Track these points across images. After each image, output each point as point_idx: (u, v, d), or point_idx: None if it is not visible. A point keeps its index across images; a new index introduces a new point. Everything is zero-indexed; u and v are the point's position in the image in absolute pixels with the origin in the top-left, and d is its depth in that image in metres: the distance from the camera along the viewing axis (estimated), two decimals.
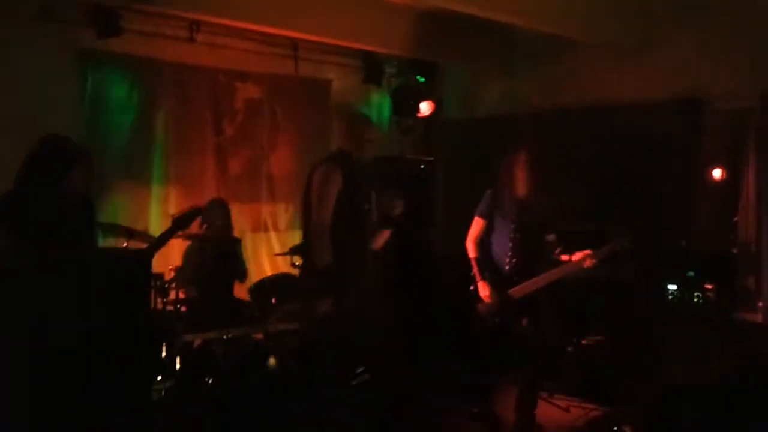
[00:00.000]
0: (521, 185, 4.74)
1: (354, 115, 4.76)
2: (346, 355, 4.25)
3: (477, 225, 4.86)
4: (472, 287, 4.80)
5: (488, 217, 4.83)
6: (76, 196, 3.39)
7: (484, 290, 4.71)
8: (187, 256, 5.37)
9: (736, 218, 6.02)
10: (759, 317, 5.59)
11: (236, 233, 5.79)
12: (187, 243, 5.43)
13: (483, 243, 4.84)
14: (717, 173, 6.23)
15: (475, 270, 4.78)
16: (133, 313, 2.86)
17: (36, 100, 5.21)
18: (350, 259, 4.15)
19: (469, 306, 4.85)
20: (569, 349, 5.86)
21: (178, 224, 3.82)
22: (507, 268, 4.75)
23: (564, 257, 4.75)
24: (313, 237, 4.07)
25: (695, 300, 5.68)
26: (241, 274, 5.56)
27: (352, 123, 4.45)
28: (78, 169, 3.39)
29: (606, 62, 6.35)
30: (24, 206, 3.28)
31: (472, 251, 4.84)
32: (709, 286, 5.66)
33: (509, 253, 4.75)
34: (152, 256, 3.68)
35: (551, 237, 4.87)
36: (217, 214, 5.47)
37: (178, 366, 4.52)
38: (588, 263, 4.67)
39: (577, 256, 4.69)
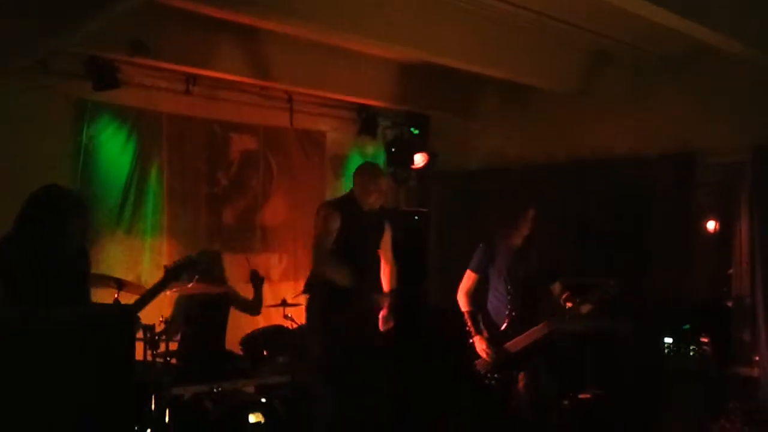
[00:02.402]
0: (516, 239, 4.75)
1: (368, 166, 4.83)
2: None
3: (469, 279, 4.84)
4: (469, 341, 4.75)
5: (481, 272, 4.81)
6: (73, 245, 3.36)
7: (481, 345, 4.66)
8: (177, 307, 5.31)
9: (730, 271, 6.02)
10: (755, 372, 5.54)
11: (230, 283, 5.74)
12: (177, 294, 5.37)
13: (475, 297, 4.81)
14: (710, 226, 6.26)
15: (470, 324, 4.73)
16: (118, 367, 2.82)
17: (31, 149, 5.23)
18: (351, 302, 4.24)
19: (465, 361, 4.79)
20: (565, 402, 5.78)
21: (171, 275, 3.81)
22: (507, 322, 4.72)
23: (570, 304, 4.71)
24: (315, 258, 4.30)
25: (691, 354, 5.64)
26: (250, 308, 5.49)
27: (365, 173, 4.55)
28: (77, 218, 3.38)
29: (599, 117, 6.42)
30: (21, 252, 3.25)
31: (465, 304, 4.80)
32: (705, 339, 5.63)
33: (509, 307, 4.73)
34: (141, 309, 3.66)
35: (556, 286, 4.87)
36: (208, 264, 5.42)
37: (167, 420, 4.43)
38: (584, 309, 4.65)
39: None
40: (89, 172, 5.71)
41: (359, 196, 4.44)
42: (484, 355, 4.65)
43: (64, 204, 3.36)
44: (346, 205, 4.45)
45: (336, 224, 4.28)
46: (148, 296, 3.70)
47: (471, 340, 4.75)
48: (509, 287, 4.73)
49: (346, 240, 4.30)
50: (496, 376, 4.70)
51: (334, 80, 6.27)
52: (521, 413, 4.89)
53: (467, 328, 4.75)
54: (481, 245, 4.86)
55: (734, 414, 5.23)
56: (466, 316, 4.76)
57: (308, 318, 4.50)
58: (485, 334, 4.69)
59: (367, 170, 4.63)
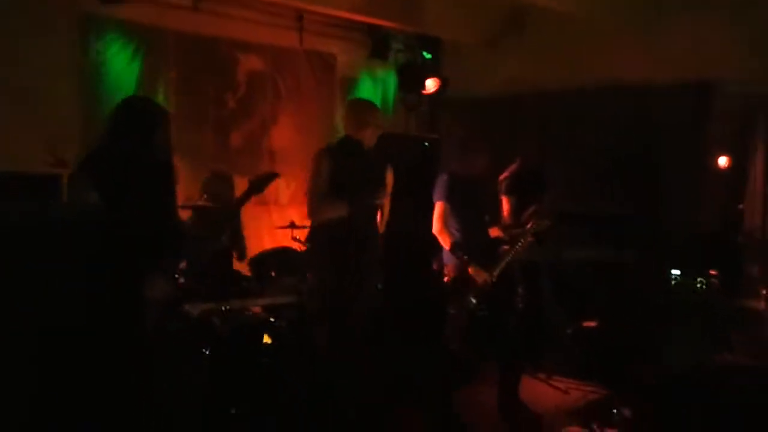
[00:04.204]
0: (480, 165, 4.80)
1: (359, 102, 4.71)
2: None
3: (442, 210, 4.77)
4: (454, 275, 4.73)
5: (451, 201, 4.76)
6: (162, 155, 3.38)
7: (480, 274, 4.62)
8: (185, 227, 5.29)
9: (741, 205, 5.97)
10: (762, 305, 5.55)
11: None
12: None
13: (451, 227, 4.77)
14: (723, 159, 6.17)
15: (461, 255, 4.66)
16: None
17: (35, 66, 5.11)
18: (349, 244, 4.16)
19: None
20: (569, 330, 5.82)
21: (255, 187, 3.88)
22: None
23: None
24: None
25: (698, 286, 5.64)
26: (240, 251, 5.48)
27: (357, 109, 4.43)
28: (164, 127, 3.39)
29: (614, 44, 6.26)
30: (113, 161, 3.24)
31: (448, 238, 4.72)
32: (713, 272, 5.62)
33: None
34: (232, 218, 3.71)
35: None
36: (219, 186, 5.39)
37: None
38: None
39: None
40: (95, 89, 5.59)
41: (353, 133, 4.29)
42: (481, 282, 4.61)
43: (153, 111, 3.46)
44: (339, 146, 4.30)
45: (326, 166, 4.14)
46: (236, 205, 3.72)
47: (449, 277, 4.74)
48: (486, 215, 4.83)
49: (338, 183, 4.16)
50: (484, 307, 4.66)
51: None
52: (519, 342, 4.93)
53: (458, 259, 4.68)
54: (442, 175, 4.84)
55: (739, 346, 5.26)
56: (452, 247, 4.69)
57: (312, 269, 4.44)
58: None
59: (357, 104, 4.54)
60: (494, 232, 4.95)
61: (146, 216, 3.20)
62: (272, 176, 4.06)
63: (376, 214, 4.40)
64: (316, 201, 4.18)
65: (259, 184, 3.96)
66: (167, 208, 3.43)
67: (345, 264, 4.14)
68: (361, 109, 4.44)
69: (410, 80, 7.18)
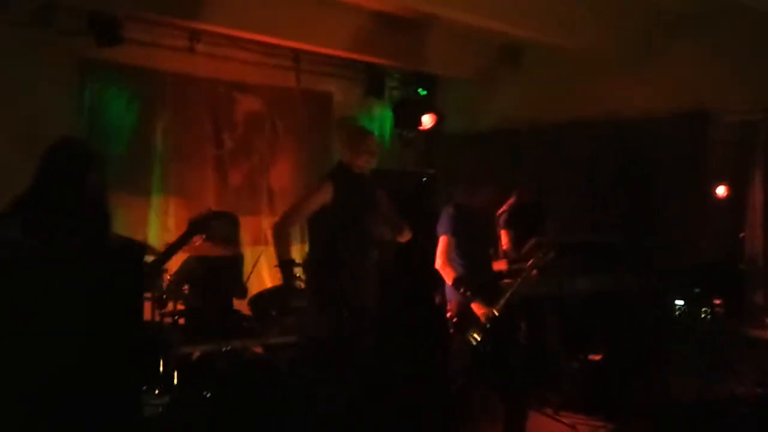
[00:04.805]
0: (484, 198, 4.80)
1: (353, 128, 4.69)
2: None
3: (447, 244, 4.69)
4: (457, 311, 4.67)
5: (457, 235, 4.69)
6: (93, 200, 3.27)
7: (481, 309, 4.55)
8: (186, 266, 5.26)
9: (742, 234, 5.96)
10: (767, 333, 5.50)
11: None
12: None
13: (454, 262, 4.70)
14: (723, 187, 6.17)
15: (464, 290, 4.56)
16: (127, 302, 2.82)
17: (34, 109, 5.13)
18: (348, 274, 4.09)
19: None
20: (574, 364, 5.75)
21: (195, 227, 3.76)
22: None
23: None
24: (274, 232, 4.15)
25: (703, 315, 5.60)
26: (240, 291, 5.44)
27: (352, 135, 4.39)
28: (96, 170, 3.28)
29: (610, 76, 6.30)
30: (41, 205, 3.16)
31: (452, 272, 4.63)
32: (718, 302, 5.59)
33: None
34: (165, 263, 3.61)
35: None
36: (221, 226, 5.36)
37: (176, 378, 4.41)
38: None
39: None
40: (93, 132, 5.60)
41: (352, 161, 4.23)
42: (483, 318, 4.52)
43: (83, 154, 3.25)
44: (338, 174, 4.22)
45: (326, 198, 4.08)
46: (171, 250, 3.63)
47: (452, 313, 4.68)
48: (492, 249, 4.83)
49: (339, 213, 4.11)
50: (488, 343, 4.58)
51: (340, 36, 6.13)
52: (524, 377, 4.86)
53: (461, 294, 4.60)
54: (447, 208, 4.78)
55: (745, 375, 5.20)
56: (456, 283, 4.60)
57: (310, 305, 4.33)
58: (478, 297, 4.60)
59: (352, 129, 4.52)
60: (498, 265, 4.93)
61: (77, 260, 3.07)
62: (212, 215, 3.91)
63: (375, 248, 4.36)
64: (284, 230, 4.12)
65: (198, 225, 3.82)
66: (101, 251, 3.29)
67: (342, 299, 4.08)
68: (356, 131, 4.43)
69: (406, 117, 7.22)
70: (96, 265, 2.81)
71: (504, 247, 5.30)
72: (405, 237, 4.38)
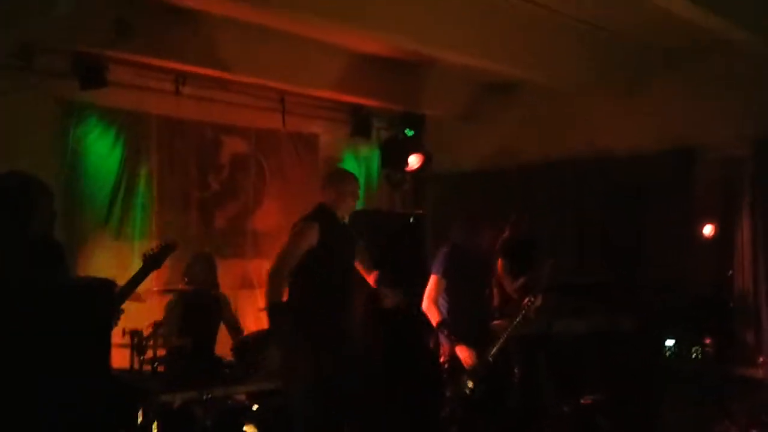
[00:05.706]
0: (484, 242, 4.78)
1: (337, 170, 4.69)
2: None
3: (435, 285, 4.66)
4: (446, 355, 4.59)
5: (447, 276, 4.65)
6: (41, 234, 3.18)
7: (465, 353, 4.48)
8: (169, 310, 5.17)
9: (731, 272, 5.91)
10: (760, 373, 5.43)
11: (221, 289, 5.60)
12: (168, 298, 5.25)
13: (440, 304, 4.65)
14: (711, 224, 6.14)
15: (448, 333, 4.54)
16: (96, 340, 2.74)
17: (15, 151, 5.07)
18: (334, 317, 4.04)
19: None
20: (565, 408, 5.65)
21: (150, 262, 3.71)
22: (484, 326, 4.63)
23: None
24: (270, 276, 4.01)
25: (693, 355, 5.53)
26: (234, 330, 5.35)
27: (335, 178, 4.40)
28: (42, 207, 3.19)
29: (595, 114, 6.32)
30: None
31: (437, 314, 4.60)
32: (707, 341, 5.52)
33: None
34: (125, 300, 3.54)
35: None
36: (200, 268, 5.30)
37: (155, 428, 4.28)
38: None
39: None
40: (77, 175, 5.58)
41: (335, 204, 4.22)
42: (469, 363, 4.47)
43: (29, 189, 3.16)
44: (322, 216, 4.19)
45: (313, 240, 4.04)
46: (129, 286, 3.56)
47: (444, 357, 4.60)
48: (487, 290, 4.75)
49: (324, 255, 4.06)
50: (480, 389, 4.49)
51: (326, 78, 6.14)
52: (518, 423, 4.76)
53: (445, 337, 4.56)
54: (443, 249, 4.75)
55: (739, 416, 5.12)
56: (442, 325, 4.56)
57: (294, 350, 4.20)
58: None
59: (342, 175, 4.51)
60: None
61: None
62: (169, 248, 3.92)
63: (360, 288, 4.30)
64: (278, 279, 4.01)
65: (155, 259, 3.77)
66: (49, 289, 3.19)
67: (328, 342, 4.00)
68: (346, 177, 4.41)
69: (393, 157, 7.20)
70: (51, 301, 2.70)
71: (499, 272, 5.24)
72: (392, 302, 4.30)
